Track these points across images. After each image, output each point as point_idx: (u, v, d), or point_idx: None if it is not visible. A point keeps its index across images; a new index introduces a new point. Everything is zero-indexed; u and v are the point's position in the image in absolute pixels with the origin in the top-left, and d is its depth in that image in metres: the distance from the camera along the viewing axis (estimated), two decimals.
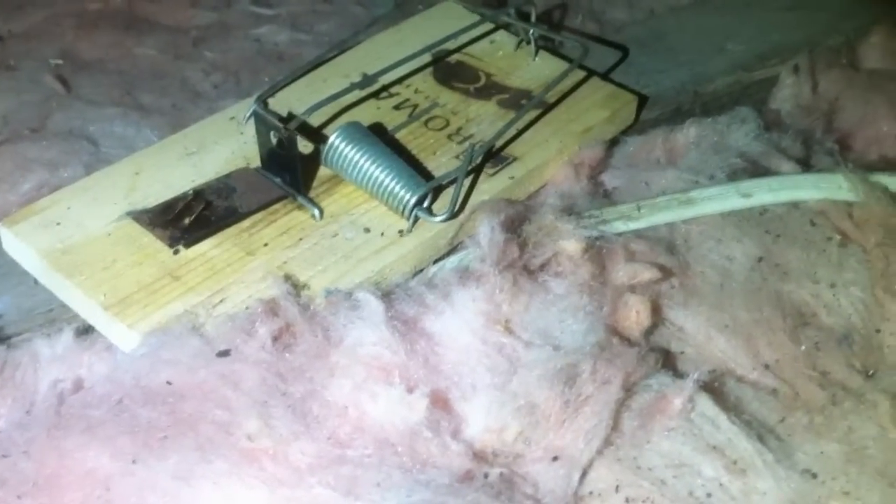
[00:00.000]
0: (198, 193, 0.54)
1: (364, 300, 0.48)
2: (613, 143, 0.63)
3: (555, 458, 0.44)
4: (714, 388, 0.48)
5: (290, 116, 0.57)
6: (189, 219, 0.52)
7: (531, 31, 0.68)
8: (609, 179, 0.61)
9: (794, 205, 0.57)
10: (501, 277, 0.50)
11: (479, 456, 0.45)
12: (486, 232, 0.52)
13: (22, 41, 0.74)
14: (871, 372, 0.49)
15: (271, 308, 0.48)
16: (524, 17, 0.68)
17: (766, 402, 0.49)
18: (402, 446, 0.44)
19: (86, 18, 0.77)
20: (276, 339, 0.47)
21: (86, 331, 0.50)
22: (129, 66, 0.72)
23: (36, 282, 0.53)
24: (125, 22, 0.77)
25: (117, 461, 0.43)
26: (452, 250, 0.55)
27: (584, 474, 0.45)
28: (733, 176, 0.59)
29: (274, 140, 0.54)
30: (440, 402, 0.46)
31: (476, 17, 0.69)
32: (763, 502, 0.44)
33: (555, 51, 0.69)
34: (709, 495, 0.44)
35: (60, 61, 0.72)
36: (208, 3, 0.80)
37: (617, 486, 0.44)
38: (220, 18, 0.78)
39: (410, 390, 0.45)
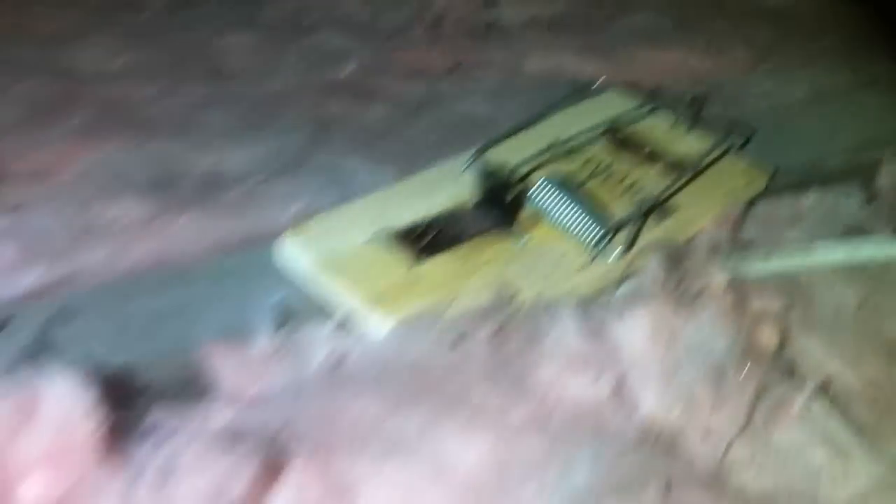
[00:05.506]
0: (430, 222, 0.65)
1: (563, 310, 0.57)
2: (749, 204, 0.74)
3: (707, 434, 0.53)
4: (827, 393, 0.56)
5: (503, 167, 0.68)
6: (424, 242, 0.63)
7: (684, 115, 0.81)
8: (745, 233, 0.71)
9: None
10: (665, 301, 0.58)
11: (649, 429, 0.52)
12: (654, 266, 0.62)
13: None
14: None
15: (490, 311, 0.57)
16: (684, 104, 0.82)
17: (867, 406, 0.57)
18: (591, 417, 0.52)
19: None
20: (495, 334, 0.56)
21: (346, 321, 0.58)
22: (371, 123, 0.83)
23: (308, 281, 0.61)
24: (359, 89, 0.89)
25: (381, 410, 0.51)
26: (624, 281, 0.64)
27: (728, 447, 0.53)
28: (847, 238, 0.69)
29: (490, 183, 0.66)
30: (621, 388, 0.54)
31: (638, 101, 0.84)
32: (858, 480, 0.52)
33: (701, 129, 0.82)
34: (819, 471, 0.53)
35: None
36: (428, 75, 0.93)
37: (752, 457, 0.53)
38: (435, 90, 0.89)
39: (598, 377, 0.54)
